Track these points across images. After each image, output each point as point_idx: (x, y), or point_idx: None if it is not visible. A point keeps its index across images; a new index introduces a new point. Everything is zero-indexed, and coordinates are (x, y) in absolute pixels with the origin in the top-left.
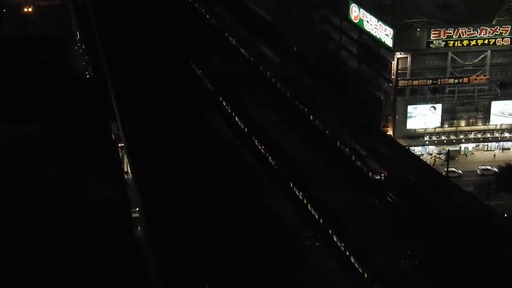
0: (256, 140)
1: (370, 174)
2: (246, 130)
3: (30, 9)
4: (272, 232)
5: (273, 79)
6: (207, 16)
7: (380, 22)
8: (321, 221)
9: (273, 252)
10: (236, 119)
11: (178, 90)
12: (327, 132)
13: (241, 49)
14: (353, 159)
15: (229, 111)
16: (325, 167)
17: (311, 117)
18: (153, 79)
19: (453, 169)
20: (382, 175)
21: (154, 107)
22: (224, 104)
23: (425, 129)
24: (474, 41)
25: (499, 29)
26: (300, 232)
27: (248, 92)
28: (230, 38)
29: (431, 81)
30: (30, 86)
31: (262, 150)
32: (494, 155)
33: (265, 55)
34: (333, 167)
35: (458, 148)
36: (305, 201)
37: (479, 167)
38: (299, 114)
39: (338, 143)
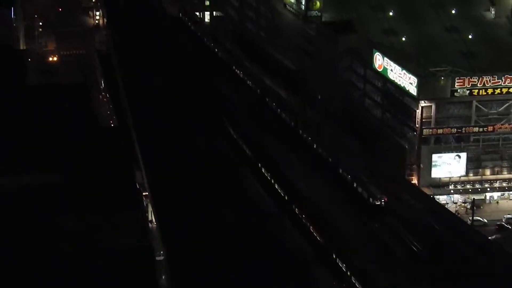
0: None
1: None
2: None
3: (55, 58)
4: None
5: (297, 127)
6: (233, 67)
7: (404, 71)
8: None
9: None
10: (265, 172)
11: (205, 140)
12: (354, 183)
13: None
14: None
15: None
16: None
17: (337, 167)
18: (179, 129)
19: (478, 218)
20: (382, 200)
21: (179, 156)
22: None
23: (450, 178)
24: (499, 89)
25: None
26: None
27: (268, 137)
28: (253, 86)
29: (455, 129)
30: (54, 135)
31: (300, 215)
32: None
33: (289, 102)
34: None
35: (483, 197)
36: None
37: (504, 216)
38: (323, 162)
39: (365, 195)
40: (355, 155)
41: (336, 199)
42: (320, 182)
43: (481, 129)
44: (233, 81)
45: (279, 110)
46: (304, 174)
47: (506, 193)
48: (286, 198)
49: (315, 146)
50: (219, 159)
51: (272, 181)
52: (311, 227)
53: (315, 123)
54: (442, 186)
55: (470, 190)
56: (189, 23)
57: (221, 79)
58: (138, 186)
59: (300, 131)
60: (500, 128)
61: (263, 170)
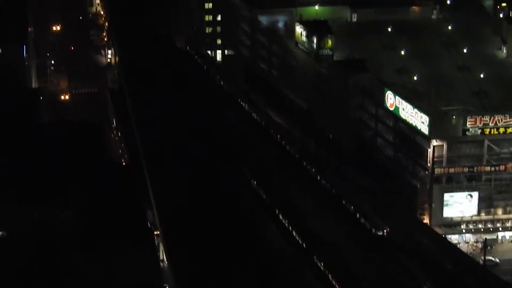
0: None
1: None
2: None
3: (67, 97)
4: None
5: (308, 166)
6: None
7: (416, 110)
8: None
9: None
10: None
11: (215, 179)
12: (366, 223)
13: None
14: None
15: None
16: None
17: (350, 206)
18: (190, 168)
19: (490, 258)
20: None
21: (190, 196)
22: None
23: (461, 217)
24: (511, 128)
25: None
26: None
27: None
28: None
29: (467, 168)
30: (66, 172)
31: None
32: None
33: (300, 141)
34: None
35: (495, 237)
36: None
37: None
38: (336, 201)
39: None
40: (366, 193)
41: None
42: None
43: (493, 168)
44: (249, 122)
45: (297, 155)
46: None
47: None
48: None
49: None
50: (233, 201)
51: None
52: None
53: (327, 162)
54: (454, 225)
55: (482, 229)
56: (203, 63)
57: (236, 121)
58: (149, 225)
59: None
60: None
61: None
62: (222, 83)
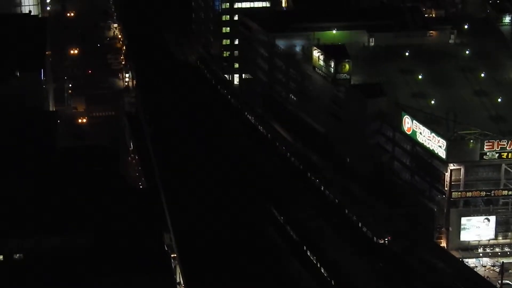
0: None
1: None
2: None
3: (84, 120)
4: None
5: (326, 191)
6: (261, 129)
7: (433, 134)
8: None
9: None
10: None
11: (230, 201)
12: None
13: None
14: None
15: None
16: None
17: (365, 230)
18: (207, 191)
19: (508, 281)
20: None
21: (207, 219)
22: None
23: (478, 241)
24: None
25: None
26: None
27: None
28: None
29: (484, 192)
30: (83, 197)
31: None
32: None
33: (317, 166)
34: None
35: None
36: None
37: None
38: (352, 226)
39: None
40: (383, 218)
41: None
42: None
43: (510, 192)
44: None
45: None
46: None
47: None
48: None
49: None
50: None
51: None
52: None
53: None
54: (471, 249)
55: (499, 253)
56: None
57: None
58: (166, 248)
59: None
60: None
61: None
62: (240, 107)
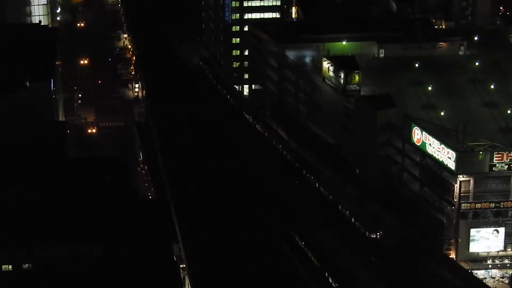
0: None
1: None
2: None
3: (94, 131)
4: None
5: (337, 203)
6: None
7: (442, 145)
8: None
9: None
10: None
11: (240, 211)
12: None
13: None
14: None
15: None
16: None
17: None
18: (215, 201)
19: None
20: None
21: (216, 229)
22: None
23: (488, 252)
24: None
25: None
26: None
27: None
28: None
29: (494, 204)
30: (93, 208)
31: None
32: None
33: (327, 178)
34: None
35: None
36: None
37: None
38: (362, 239)
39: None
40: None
41: None
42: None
43: None
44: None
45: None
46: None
47: None
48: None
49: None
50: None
51: None
52: None
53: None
54: (480, 260)
55: (508, 265)
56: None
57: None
58: (175, 258)
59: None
60: None
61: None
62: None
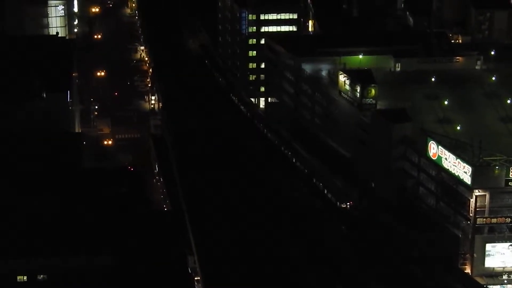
0: None
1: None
2: None
3: (110, 142)
4: None
5: (352, 215)
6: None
7: (458, 160)
8: None
9: None
10: None
11: (256, 223)
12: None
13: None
14: None
15: None
16: None
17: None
18: (231, 214)
19: None
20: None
21: (231, 242)
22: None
23: (503, 267)
24: None
25: None
26: None
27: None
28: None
29: (510, 219)
30: (108, 219)
31: None
32: None
33: (342, 191)
34: None
35: None
36: None
37: None
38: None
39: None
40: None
41: None
42: None
43: None
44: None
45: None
46: None
47: None
48: None
49: None
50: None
51: None
52: None
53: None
54: (495, 275)
55: None
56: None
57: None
58: (190, 271)
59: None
60: None
61: None
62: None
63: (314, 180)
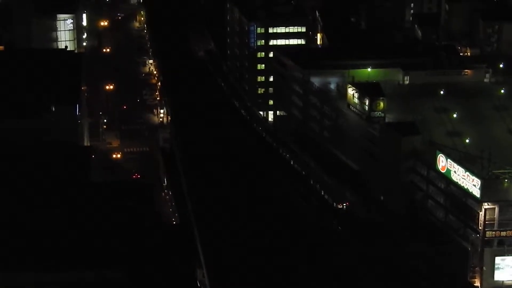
0: None
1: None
2: None
3: (118, 155)
4: None
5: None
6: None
7: (467, 173)
8: None
9: None
10: None
11: (265, 237)
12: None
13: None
14: None
15: None
16: None
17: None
18: (239, 227)
19: None
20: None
21: (240, 255)
22: None
23: None
24: None
25: None
26: None
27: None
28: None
29: None
30: (117, 232)
31: None
32: None
33: (351, 202)
34: None
35: None
36: None
37: None
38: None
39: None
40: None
41: None
42: None
43: None
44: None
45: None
46: None
47: None
48: None
49: None
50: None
51: None
52: None
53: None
54: None
55: None
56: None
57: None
58: (199, 284)
59: None
60: None
61: None
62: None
63: (323, 193)
